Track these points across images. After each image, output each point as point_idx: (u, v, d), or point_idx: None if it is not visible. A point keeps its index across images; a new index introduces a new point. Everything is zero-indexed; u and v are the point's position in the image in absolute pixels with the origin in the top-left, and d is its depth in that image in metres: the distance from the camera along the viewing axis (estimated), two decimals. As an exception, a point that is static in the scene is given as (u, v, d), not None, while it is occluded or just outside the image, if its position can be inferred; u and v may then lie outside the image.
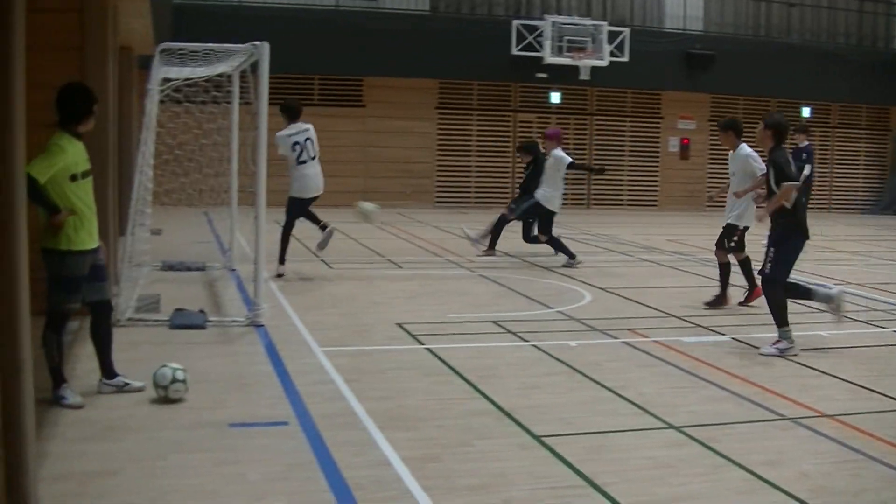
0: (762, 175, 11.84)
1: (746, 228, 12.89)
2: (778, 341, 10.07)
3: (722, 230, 12.96)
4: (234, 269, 14.09)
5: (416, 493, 5.80)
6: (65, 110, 7.30)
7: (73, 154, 7.24)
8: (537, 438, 6.93)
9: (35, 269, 5.15)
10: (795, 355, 9.88)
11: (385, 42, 26.59)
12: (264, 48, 10.41)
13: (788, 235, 10.35)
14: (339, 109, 27.46)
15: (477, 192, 29.18)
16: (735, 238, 12.85)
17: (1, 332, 4.69)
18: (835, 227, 27.22)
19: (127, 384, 7.76)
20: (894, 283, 15.68)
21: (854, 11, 33.33)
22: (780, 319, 10.18)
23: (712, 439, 7.04)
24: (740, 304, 12.86)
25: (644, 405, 7.92)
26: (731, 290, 12.86)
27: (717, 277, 12.97)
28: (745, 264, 12.98)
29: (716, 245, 13.01)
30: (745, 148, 12.69)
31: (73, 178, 7.23)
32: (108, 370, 7.77)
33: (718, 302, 12.74)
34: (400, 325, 10.86)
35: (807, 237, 10.64)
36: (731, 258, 12.91)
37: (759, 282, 11.69)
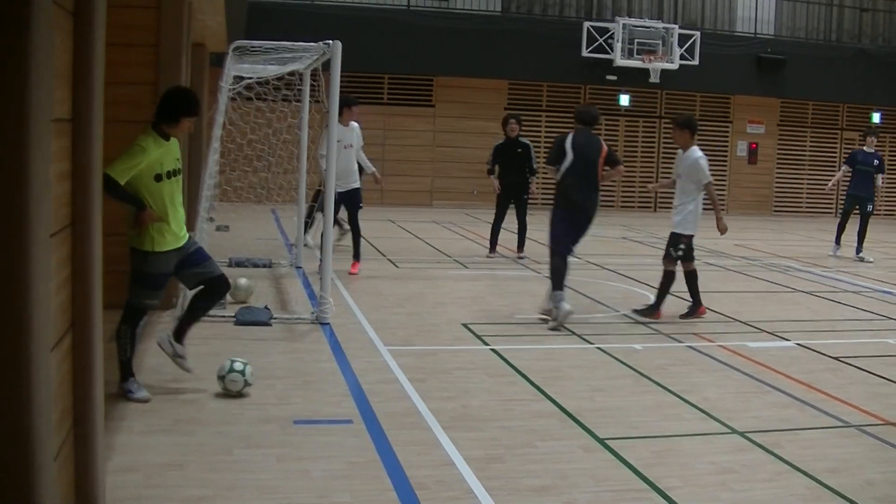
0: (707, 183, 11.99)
1: (691, 236, 11.99)
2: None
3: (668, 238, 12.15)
4: (299, 267, 14.18)
5: (478, 494, 5.82)
6: (160, 110, 7.43)
7: (158, 154, 7.30)
8: (601, 441, 6.93)
9: (107, 261, 5.23)
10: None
11: (455, 42, 26.67)
12: (336, 47, 10.47)
13: (554, 210, 11.45)
14: (408, 109, 27.55)
15: (544, 193, 29.13)
16: (682, 246, 11.89)
17: (76, 327, 4.77)
18: (906, 234, 26.89)
19: (181, 357, 7.94)
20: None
21: (927, 16, 32.85)
22: (555, 283, 11.10)
23: (776, 445, 7.00)
24: (681, 317, 11.96)
25: (708, 410, 7.89)
26: (668, 301, 12.04)
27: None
28: (691, 277, 12.03)
29: (663, 255, 12.09)
30: (696, 151, 12.14)
31: (158, 177, 7.32)
32: (177, 333, 7.93)
33: (650, 312, 11.81)
34: (465, 325, 10.89)
35: (573, 210, 11.32)
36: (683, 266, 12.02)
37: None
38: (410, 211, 25.58)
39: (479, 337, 10.33)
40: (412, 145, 27.54)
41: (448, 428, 7.04)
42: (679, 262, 11.93)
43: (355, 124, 14.13)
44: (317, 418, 7.19)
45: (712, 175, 12.44)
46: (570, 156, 11.34)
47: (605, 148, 11.63)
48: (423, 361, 9.17)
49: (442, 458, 6.43)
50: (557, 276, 11.17)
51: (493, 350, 9.74)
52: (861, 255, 19.13)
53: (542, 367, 9.12)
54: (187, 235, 7.75)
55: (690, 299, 12.11)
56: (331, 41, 10.56)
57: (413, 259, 16.17)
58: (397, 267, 15.26)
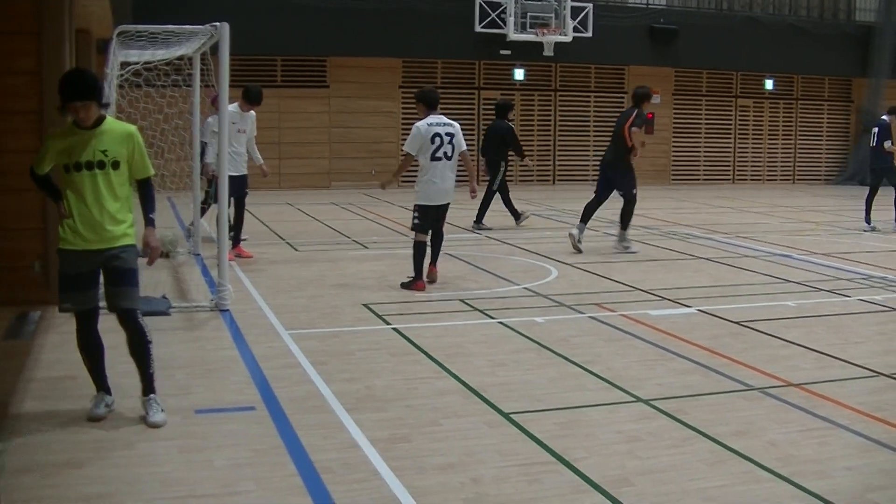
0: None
1: (425, 206, 12.08)
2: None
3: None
4: (198, 255, 13.99)
5: (384, 475, 5.77)
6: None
7: (67, 143, 6.70)
8: (506, 416, 6.92)
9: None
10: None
11: (348, 21, 26.51)
12: (224, 29, 10.30)
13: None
14: (303, 90, 27.30)
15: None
16: (416, 216, 12.09)
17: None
18: (801, 197, 27.39)
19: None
20: (858, 252, 15.77)
21: (817, -17, 33.46)
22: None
23: (680, 411, 7.06)
24: (402, 285, 12.15)
25: (612, 379, 7.93)
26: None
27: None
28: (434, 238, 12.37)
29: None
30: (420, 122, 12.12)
31: (66, 168, 6.73)
32: (145, 386, 6.92)
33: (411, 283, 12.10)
34: (367, 305, 10.82)
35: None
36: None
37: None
38: (308, 193, 25.40)
39: (380, 317, 10.27)
40: (308, 127, 27.33)
41: (352, 410, 6.98)
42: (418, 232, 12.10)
43: (252, 112, 14.02)
44: (219, 407, 7.08)
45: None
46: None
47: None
48: (326, 344, 9.08)
49: (347, 440, 6.37)
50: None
51: (395, 329, 9.69)
52: None
53: (444, 344, 9.10)
54: (121, 243, 6.83)
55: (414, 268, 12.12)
56: (218, 23, 10.39)
57: (313, 242, 16.05)
58: (297, 250, 15.13)
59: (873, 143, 19.57)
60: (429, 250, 12.19)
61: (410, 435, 6.49)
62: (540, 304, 11.13)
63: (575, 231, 15.48)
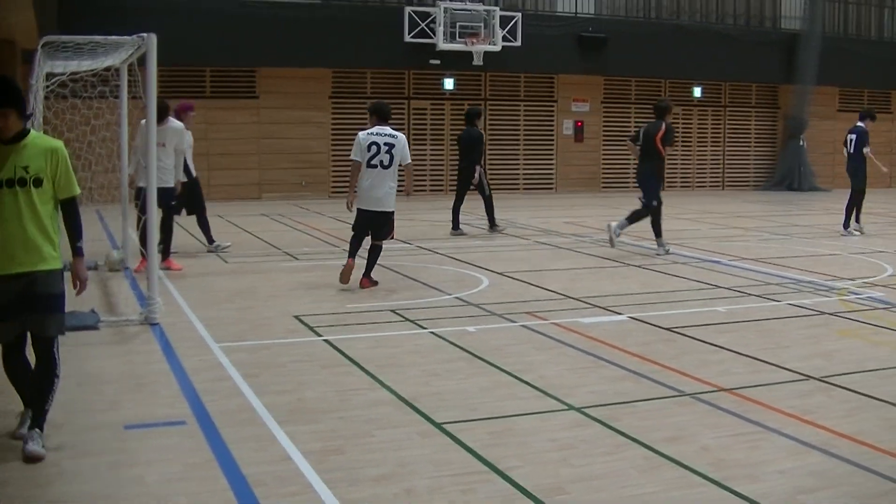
0: None
1: (358, 209, 12.91)
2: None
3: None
4: (127, 268, 13.84)
5: (318, 487, 5.73)
6: None
7: None
8: (438, 426, 6.91)
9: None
10: None
11: (277, 32, 26.35)
12: (151, 40, 10.20)
13: None
14: (232, 101, 27.12)
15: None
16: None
17: None
18: (729, 203, 27.69)
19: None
20: (786, 257, 15.96)
21: (743, -8, 33.89)
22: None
23: (613, 418, 7.09)
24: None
25: (545, 388, 7.95)
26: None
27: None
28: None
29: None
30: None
31: None
32: (34, 419, 6.39)
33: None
34: (298, 317, 10.76)
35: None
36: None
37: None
38: (238, 205, 25.23)
39: (312, 328, 10.22)
40: (237, 138, 27.14)
41: (284, 422, 6.93)
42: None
43: (171, 125, 13.87)
44: (149, 421, 6.99)
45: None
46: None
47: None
48: (257, 356, 9.02)
49: (279, 453, 6.32)
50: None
51: (326, 341, 9.64)
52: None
53: (376, 354, 9.07)
54: (45, 266, 6.40)
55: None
56: (145, 34, 10.29)
57: (243, 253, 15.92)
58: (227, 262, 15.01)
59: (851, 150, 19.80)
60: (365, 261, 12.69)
61: (343, 447, 6.45)
62: (471, 314, 11.13)
63: (614, 224, 16.53)
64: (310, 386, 7.98)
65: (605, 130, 31.72)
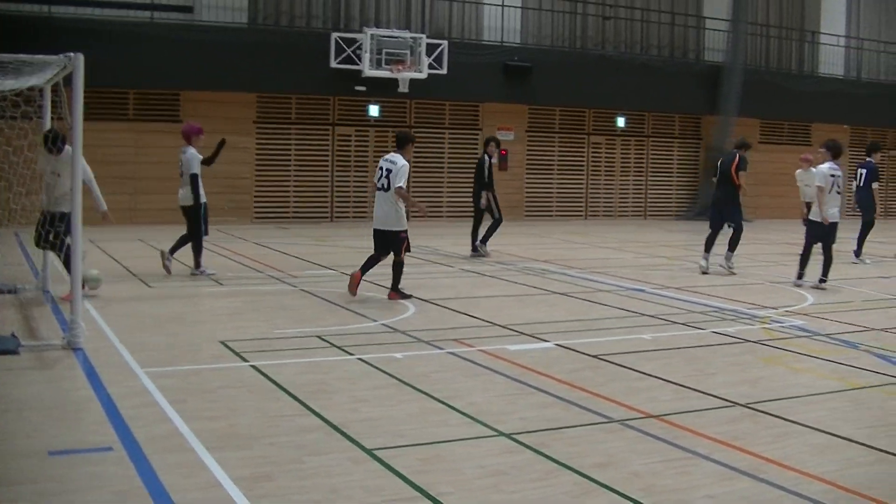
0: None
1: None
2: None
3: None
4: (47, 291, 13.62)
5: (248, 514, 5.68)
6: None
7: None
8: (369, 452, 6.87)
9: None
10: None
11: (202, 55, 26.17)
12: (78, 60, 10.08)
13: None
14: (156, 124, 26.84)
15: (296, 207, 28.98)
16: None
17: None
18: (652, 232, 27.96)
19: None
20: (710, 285, 16.16)
21: (667, 24, 34.38)
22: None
23: (543, 445, 7.11)
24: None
25: (474, 414, 7.95)
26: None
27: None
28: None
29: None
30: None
31: None
32: None
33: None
34: (224, 343, 10.66)
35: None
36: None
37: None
38: (163, 229, 24.87)
39: (238, 354, 10.12)
40: (162, 162, 26.77)
41: (213, 448, 6.85)
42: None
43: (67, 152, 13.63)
44: (75, 448, 6.86)
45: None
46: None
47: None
48: (184, 382, 8.91)
49: (209, 479, 6.25)
50: None
51: (253, 367, 9.56)
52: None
53: (304, 381, 9.01)
54: None
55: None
56: (72, 54, 10.17)
57: (166, 279, 15.74)
58: (150, 287, 14.85)
59: (860, 184, 20.71)
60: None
61: (274, 473, 6.39)
62: (398, 340, 11.11)
63: (703, 262, 18.09)
64: (238, 412, 7.91)
65: (528, 159, 31.93)
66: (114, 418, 7.62)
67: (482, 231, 20.35)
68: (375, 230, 14.13)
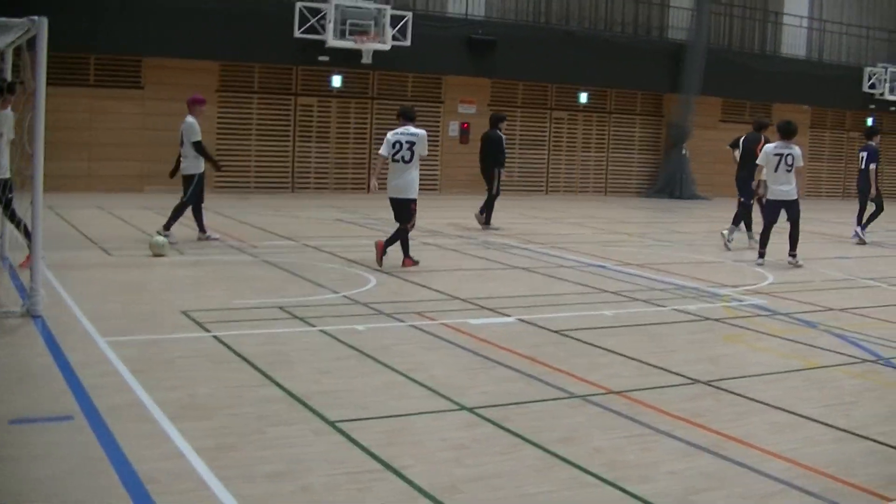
0: None
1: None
2: None
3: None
4: (5, 258, 13.50)
5: (212, 484, 5.65)
6: None
7: None
8: (332, 424, 6.87)
9: None
10: None
11: (164, 21, 25.92)
12: (42, 23, 9.92)
13: None
14: (117, 91, 26.64)
15: (257, 177, 28.84)
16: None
17: None
18: (613, 209, 28.06)
19: None
20: (670, 262, 16.25)
21: (631, 2, 34.48)
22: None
23: (505, 419, 7.12)
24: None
25: (436, 387, 7.95)
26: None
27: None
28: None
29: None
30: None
31: None
32: None
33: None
34: (185, 312, 10.61)
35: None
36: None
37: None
38: (121, 197, 24.79)
39: (200, 324, 10.08)
40: (121, 128, 26.64)
41: (175, 418, 6.81)
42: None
43: (9, 112, 13.44)
44: (35, 416, 6.81)
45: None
46: None
47: None
48: (145, 352, 8.87)
49: (171, 450, 6.22)
50: None
51: (215, 337, 9.52)
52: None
53: (266, 351, 8.98)
54: None
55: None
56: (36, 17, 10.04)
57: (127, 247, 15.64)
58: (110, 255, 14.75)
59: (861, 166, 21.08)
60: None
61: (237, 443, 6.37)
62: (360, 312, 11.10)
63: (727, 235, 18.92)
64: (200, 382, 7.87)
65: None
66: (74, 387, 7.56)
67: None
68: (392, 198, 14.81)
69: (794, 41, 37.90)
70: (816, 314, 12.13)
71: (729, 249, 18.34)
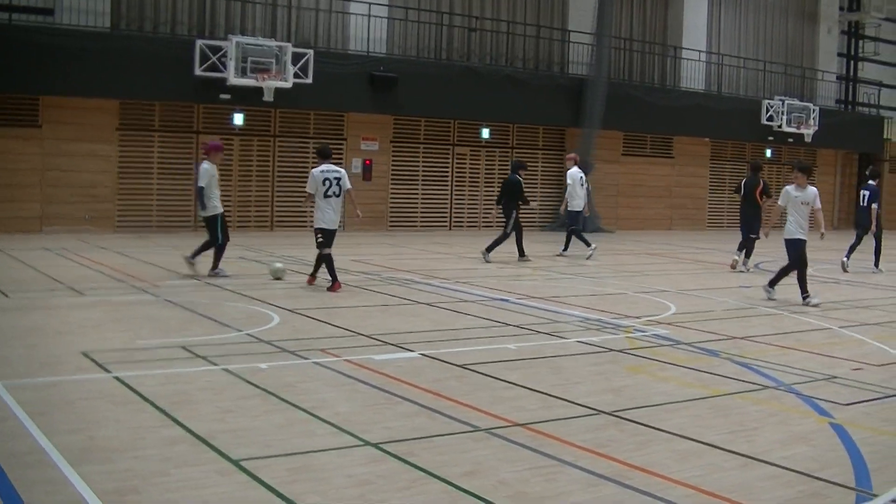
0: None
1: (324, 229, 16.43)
2: None
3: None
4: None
5: (114, 529, 5.61)
6: None
7: None
8: (236, 463, 6.84)
9: None
10: None
11: (62, 60, 25.60)
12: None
13: None
14: (13, 130, 26.23)
15: (159, 216, 28.58)
16: (319, 237, 16.48)
17: None
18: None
19: None
20: (573, 296, 16.40)
21: (532, 37, 34.87)
22: None
23: (410, 454, 7.16)
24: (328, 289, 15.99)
25: (340, 424, 7.96)
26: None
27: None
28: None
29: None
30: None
31: None
32: None
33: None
34: (86, 354, 10.48)
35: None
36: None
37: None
38: (18, 238, 24.41)
39: (100, 365, 9.96)
40: (19, 168, 26.24)
41: (76, 463, 6.72)
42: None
43: None
44: (-71, 465, 6.69)
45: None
46: None
47: None
48: (44, 394, 8.74)
49: (72, 495, 6.13)
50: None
51: (116, 378, 9.41)
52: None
53: (168, 391, 8.91)
54: None
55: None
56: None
57: (25, 289, 15.40)
58: (8, 297, 14.51)
59: (863, 203, 23.02)
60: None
61: (140, 486, 6.31)
62: (263, 350, 11.06)
63: (738, 257, 22.10)
64: (102, 424, 7.78)
65: (393, 169, 32.03)
66: (-30, 433, 7.43)
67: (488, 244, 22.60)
68: (325, 229, 16.35)
69: (693, 75, 38.66)
70: (718, 342, 12.36)
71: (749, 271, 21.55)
